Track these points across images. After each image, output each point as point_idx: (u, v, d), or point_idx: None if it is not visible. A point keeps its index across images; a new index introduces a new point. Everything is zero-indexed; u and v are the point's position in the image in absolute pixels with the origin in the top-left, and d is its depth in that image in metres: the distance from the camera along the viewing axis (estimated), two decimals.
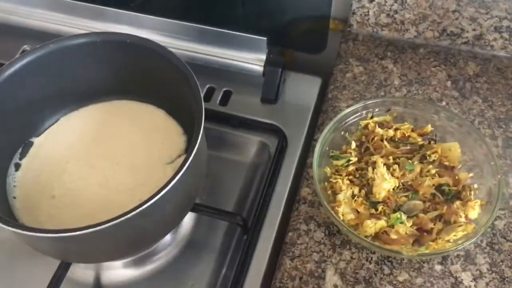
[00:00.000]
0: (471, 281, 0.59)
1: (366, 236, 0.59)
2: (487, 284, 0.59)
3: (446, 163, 0.64)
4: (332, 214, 0.59)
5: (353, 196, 0.62)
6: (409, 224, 0.59)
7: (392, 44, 0.83)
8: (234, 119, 0.75)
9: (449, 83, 0.77)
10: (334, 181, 0.63)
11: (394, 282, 0.59)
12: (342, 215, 0.61)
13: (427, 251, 0.58)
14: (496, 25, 0.78)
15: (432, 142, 0.67)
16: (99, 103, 0.68)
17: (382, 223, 0.59)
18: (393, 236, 0.59)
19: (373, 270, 0.60)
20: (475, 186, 0.62)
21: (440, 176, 0.63)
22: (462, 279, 0.59)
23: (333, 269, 0.60)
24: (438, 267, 0.60)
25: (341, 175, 0.64)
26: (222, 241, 0.66)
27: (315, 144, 0.71)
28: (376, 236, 0.60)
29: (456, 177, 0.63)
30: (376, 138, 0.66)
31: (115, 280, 0.63)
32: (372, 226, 0.59)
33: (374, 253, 0.61)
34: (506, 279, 0.59)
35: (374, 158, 0.63)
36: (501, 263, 0.60)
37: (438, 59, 0.81)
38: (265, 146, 0.74)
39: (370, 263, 0.61)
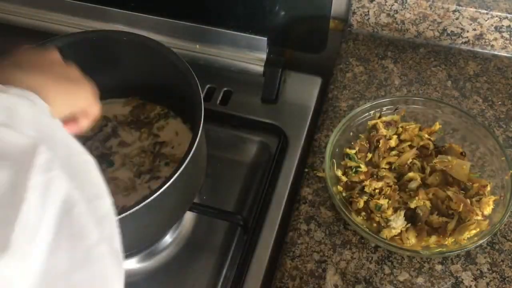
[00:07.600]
0: (472, 280, 0.59)
1: (386, 238, 0.60)
2: (487, 284, 0.59)
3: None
4: (350, 219, 0.59)
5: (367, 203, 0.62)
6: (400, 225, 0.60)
7: (392, 44, 0.83)
8: (234, 119, 0.75)
9: (449, 83, 0.77)
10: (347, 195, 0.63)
11: (395, 282, 0.59)
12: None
13: (444, 249, 0.58)
14: (496, 24, 0.78)
15: (440, 148, 0.66)
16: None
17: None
18: (410, 237, 0.59)
19: (374, 270, 0.60)
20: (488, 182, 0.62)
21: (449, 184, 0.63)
22: (462, 279, 0.59)
23: (333, 269, 0.60)
24: (438, 267, 0.60)
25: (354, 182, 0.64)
26: (222, 241, 0.66)
27: (315, 144, 0.71)
28: (392, 238, 0.60)
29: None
30: (382, 141, 0.66)
31: None
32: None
33: (374, 253, 0.61)
34: (507, 279, 0.59)
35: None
36: (501, 263, 0.60)
37: (438, 58, 0.81)
38: (265, 146, 0.74)
39: (371, 263, 0.60)
